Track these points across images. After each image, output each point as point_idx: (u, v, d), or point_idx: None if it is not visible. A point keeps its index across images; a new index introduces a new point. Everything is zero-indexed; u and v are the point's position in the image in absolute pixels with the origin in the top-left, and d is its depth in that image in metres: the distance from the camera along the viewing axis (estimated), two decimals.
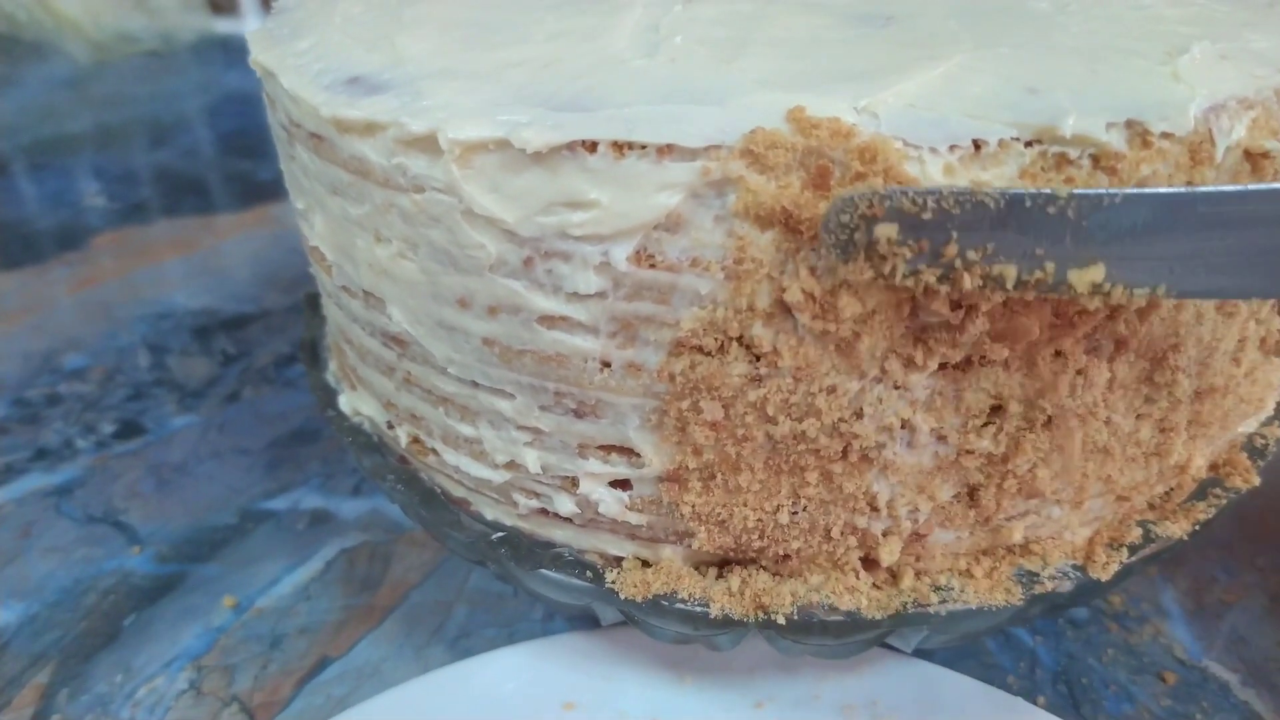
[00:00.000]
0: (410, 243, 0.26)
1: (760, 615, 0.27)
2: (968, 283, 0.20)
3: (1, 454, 0.50)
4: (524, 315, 0.25)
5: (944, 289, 0.21)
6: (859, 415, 0.25)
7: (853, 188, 0.22)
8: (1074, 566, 0.28)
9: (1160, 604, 0.40)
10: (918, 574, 0.28)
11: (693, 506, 0.27)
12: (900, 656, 0.33)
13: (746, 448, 0.25)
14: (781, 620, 0.27)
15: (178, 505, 0.46)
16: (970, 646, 0.38)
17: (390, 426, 0.32)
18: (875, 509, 0.26)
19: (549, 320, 0.25)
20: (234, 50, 1.11)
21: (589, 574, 0.29)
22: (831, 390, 0.24)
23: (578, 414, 0.27)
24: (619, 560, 0.29)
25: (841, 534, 0.27)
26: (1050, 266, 0.20)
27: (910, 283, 0.21)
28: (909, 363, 0.24)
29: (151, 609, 0.41)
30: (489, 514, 0.31)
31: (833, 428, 0.25)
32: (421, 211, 0.26)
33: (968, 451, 0.25)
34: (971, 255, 0.20)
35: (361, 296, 0.29)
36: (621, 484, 0.28)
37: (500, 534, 0.30)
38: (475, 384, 0.28)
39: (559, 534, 0.30)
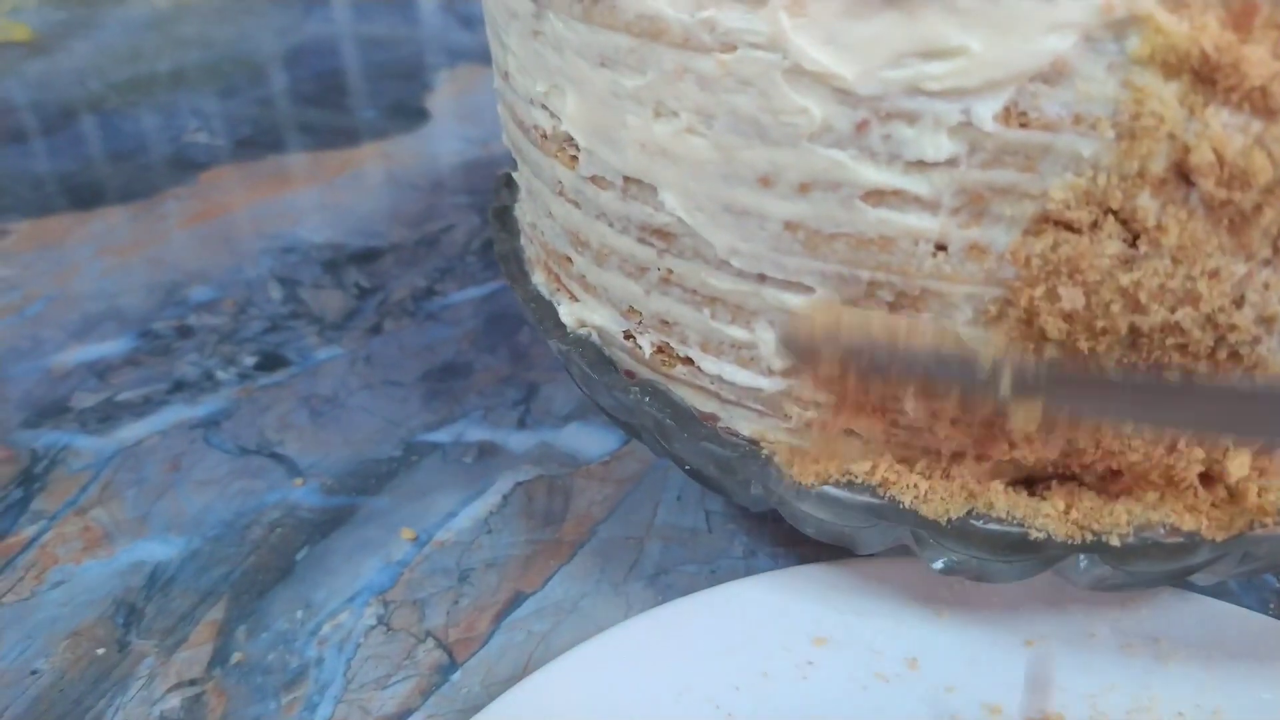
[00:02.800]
0: (704, 114, 0.24)
1: (1090, 538, 0.24)
2: None
3: (137, 386, 0.48)
4: (845, 191, 0.23)
5: None
6: (1239, 303, 0.22)
7: None
8: None
9: None
10: (1260, 491, 0.25)
11: None
12: (1178, 592, 0.30)
13: (1102, 343, 0.22)
14: (1116, 542, 0.24)
15: (336, 437, 0.44)
16: (1214, 586, 0.35)
17: (628, 336, 0.30)
18: None
19: (876, 196, 0.22)
20: None
21: (882, 491, 0.26)
22: (1214, 274, 0.21)
23: (893, 307, 0.24)
24: None
25: (1188, 445, 0.24)
26: None
27: None
28: None
29: (324, 542, 0.38)
30: (745, 430, 0.28)
31: (1208, 318, 0.22)
32: (728, 74, 0.23)
33: None
34: None
35: (620, 186, 0.27)
36: None
37: (770, 450, 0.27)
38: (762, 277, 0.25)
39: None
